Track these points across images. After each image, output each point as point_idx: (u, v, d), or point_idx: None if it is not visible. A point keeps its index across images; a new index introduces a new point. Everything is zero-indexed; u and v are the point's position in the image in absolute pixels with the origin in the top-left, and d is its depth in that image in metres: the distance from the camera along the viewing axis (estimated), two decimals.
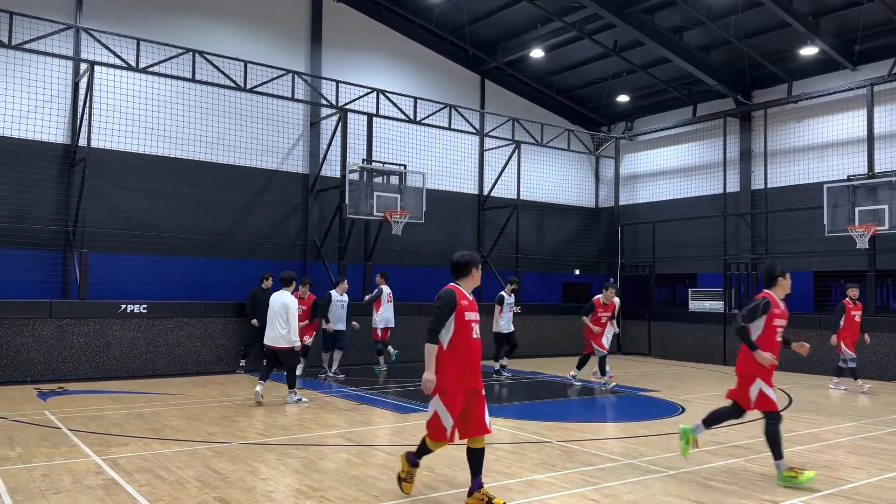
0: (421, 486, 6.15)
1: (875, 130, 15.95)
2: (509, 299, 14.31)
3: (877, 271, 15.62)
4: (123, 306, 13.24)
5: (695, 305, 19.11)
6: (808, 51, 16.23)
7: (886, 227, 14.71)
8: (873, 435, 8.74)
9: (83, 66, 14.01)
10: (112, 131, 14.51)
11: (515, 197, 19.35)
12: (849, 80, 16.57)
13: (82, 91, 14.00)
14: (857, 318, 13.04)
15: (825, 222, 15.59)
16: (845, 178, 15.88)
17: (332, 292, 13.57)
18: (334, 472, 6.61)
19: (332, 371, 13.43)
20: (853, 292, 13.17)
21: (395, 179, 16.33)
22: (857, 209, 15.16)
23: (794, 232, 17.49)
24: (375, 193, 15.86)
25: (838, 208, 15.48)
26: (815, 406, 11.01)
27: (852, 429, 9.15)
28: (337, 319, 13.44)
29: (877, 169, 15.72)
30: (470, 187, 20.04)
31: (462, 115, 18.14)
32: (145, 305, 13.45)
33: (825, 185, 15.81)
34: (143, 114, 14.94)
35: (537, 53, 19.00)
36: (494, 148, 20.06)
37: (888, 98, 15.94)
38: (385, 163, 16.65)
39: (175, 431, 8.41)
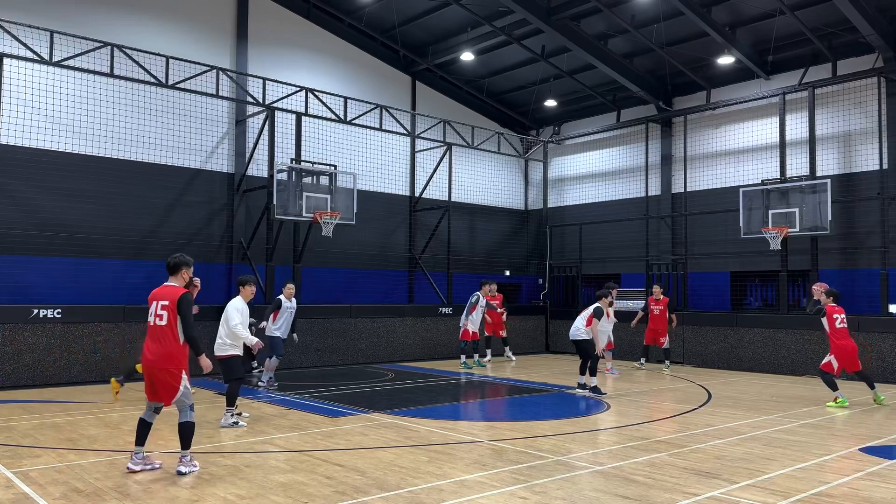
0: (351, 490, 6.09)
1: (787, 137, 16.78)
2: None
3: (788, 271, 16.42)
4: (35, 311, 12.58)
5: (619, 305, 19.60)
6: (726, 60, 16.92)
7: (797, 229, 15.48)
8: (786, 428, 9.17)
9: None
10: (24, 127, 13.80)
11: (447, 198, 19.43)
12: (763, 89, 17.38)
13: None
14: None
15: (741, 224, 16.28)
16: (760, 182, 16.64)
17: (282, 297, 12.40)
18: (262, 479, 6.46)
19: (264, 379, 12.46)
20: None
21: (325, 180, 16.13)
22: (770, 212, 15.89)
23: (711, 234, 18.22)
24: (305, 194, 15.61)
25: (753, 211, 16.19)
26: (733, 401, 11.48)
27: (767, 422, 9.58)
28: (285, 327, 12.43)
29: (788, 174, 16.55)
30: (401, 189, 20.00)
31: (393, 116, 18.09)
32: (59, 310, 12.81)
33: (741, 189, 16.52)
34: (58, 109, 14.26)
35: (467, 57, 19.14)
36: (426, 150, 20.09)
37: (799, 106, 16.80)
38: (314, 163, 16.42)
39: (92, 441, 8.04)
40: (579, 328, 12.15)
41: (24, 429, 8.71)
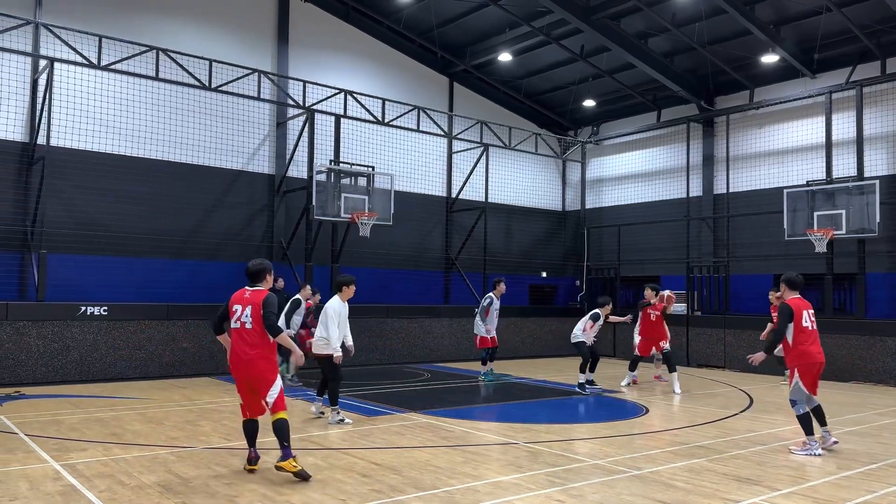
0: (387, 488, 6.13)
1: (833, 137, 16.36)
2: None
3: (834, 274, 16.01)
4: (83, 308, 12.95)
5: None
6: (770, 58, 16.58)
7: (844, 231, 15.09)
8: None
9: (42, 63, 13.69)
10: (72, 130, 14.20)
11: (483, 199, 19.41)
12: (808, 88, 16.98)
13: (41, 88, 13.68)
14: None
15: (785, 226, 15.93)
16: (804, 183, 16.26)
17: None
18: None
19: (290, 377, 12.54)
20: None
21: (362, 181, 16.26)
22: (815, 214, 15.51)
23: (754, 236, 17.86)
24: (343, 195, 15.76)
25: (797, 213, 15.83)
26: (776, 406, 11.24)
27: None
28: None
29: (834, 174, 16.14)
30: (438, 189, 20.05)
31: (430, 118, 18.15)
32: (105, 307, 13.17)
33: (785, 190, 16.17)
34: (105, 112, 14.64)
35: (505, 57, 19.10)
36: (463, 150, 20.11)
37: (846, 106, 16.37)
38: (353, 164, 16.57)
39: (136, 436, 8.24)
40: (576, 332, 12.90)
41: (71, 423, 8.97)
